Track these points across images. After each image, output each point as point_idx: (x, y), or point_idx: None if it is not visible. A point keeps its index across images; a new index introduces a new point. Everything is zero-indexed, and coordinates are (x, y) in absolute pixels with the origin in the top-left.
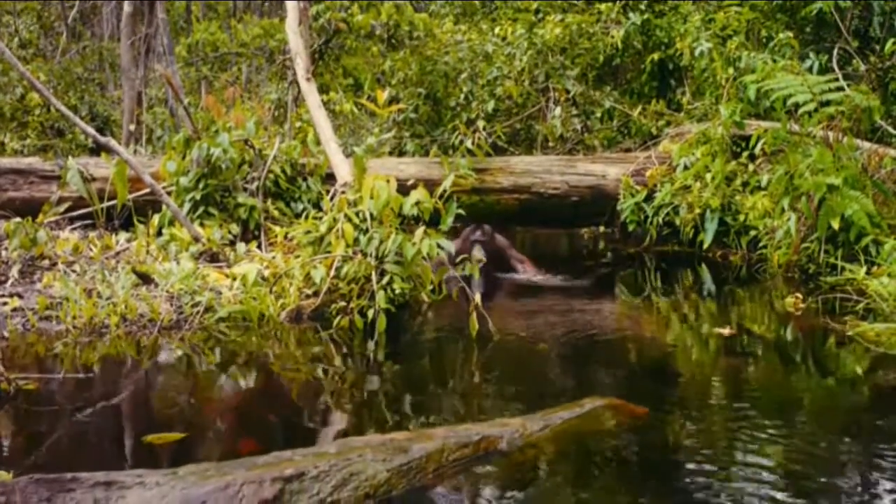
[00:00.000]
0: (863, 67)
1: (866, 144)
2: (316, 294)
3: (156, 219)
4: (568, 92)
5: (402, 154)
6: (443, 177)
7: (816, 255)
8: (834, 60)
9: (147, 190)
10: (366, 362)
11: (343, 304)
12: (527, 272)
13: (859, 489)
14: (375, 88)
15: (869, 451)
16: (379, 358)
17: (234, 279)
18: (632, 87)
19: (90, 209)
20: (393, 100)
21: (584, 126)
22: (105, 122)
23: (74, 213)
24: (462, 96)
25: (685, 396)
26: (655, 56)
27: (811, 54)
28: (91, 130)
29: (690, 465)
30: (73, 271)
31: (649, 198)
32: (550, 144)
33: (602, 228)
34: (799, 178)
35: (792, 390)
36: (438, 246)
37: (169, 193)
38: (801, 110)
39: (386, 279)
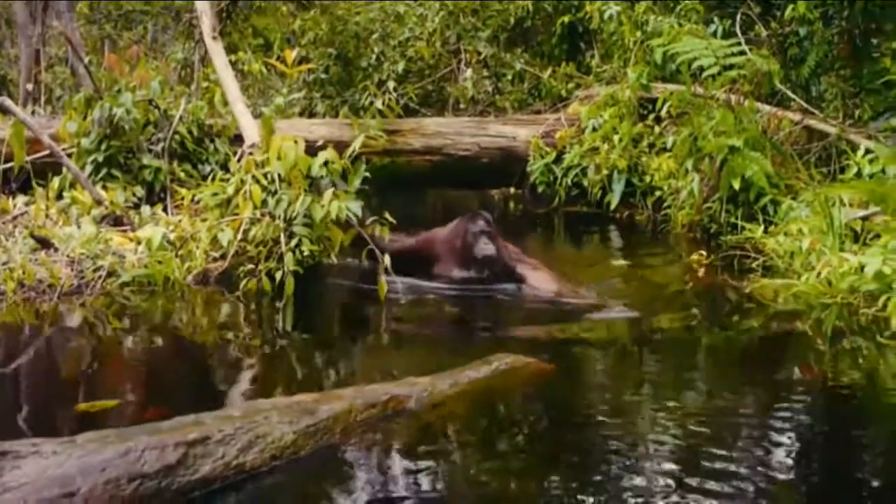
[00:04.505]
0: (764, 33)
1: (766, 107)
2: (223, 257)
3: (56, 181)
4: (479, 54)
5: (312, 115)
6: (353, 138)
7: (718, 215)
8: (737, 25)
9: (46, 152)
10: (274, 325)
11: (251, 266)
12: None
13: (754, 437)
14: (285, 48)
15: (762, 400)
16: (287, 321)
17: (139, 243)
18: (542, 50)
19: None
20: (303, 60)
21: (495, 88)
22: (1, 81)
23: None
24: (374, 57)
25: (591, 352)
26: (565, 19)
27: (715, 19)
28: None
29: (597, 420)
30: None
31: (559, 159)
32: (462, 106)
33: (512, 189)
34: (702, 140)
35: (692, 344)
36: (347, 208)
37: (70, 155)
38: (705, 73)
39: (294, 241)
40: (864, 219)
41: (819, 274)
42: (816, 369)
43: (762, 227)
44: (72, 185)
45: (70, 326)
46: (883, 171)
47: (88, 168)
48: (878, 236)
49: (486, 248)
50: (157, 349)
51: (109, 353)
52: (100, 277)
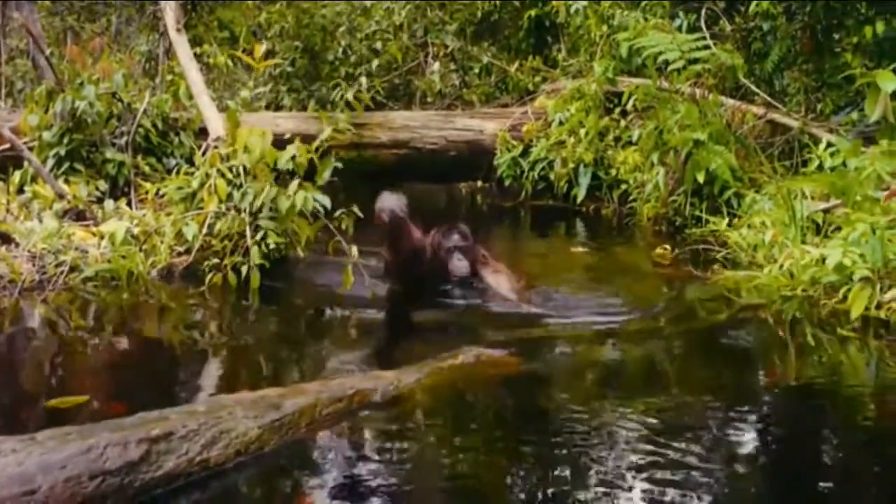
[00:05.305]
0: (728, 27)
1: (730, 101)
2: (188, 251)
3: (17, 175)
4: (446, 47)
5: (279, 108)
6: (320, 132)
7: (683, 208)
8: (702, 20)
9: (7, 145)
10: (240, 319)
11: (216, 260)
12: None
13: (718, 432)
14: (251, 41)
15: (723, 394)
16: (253, 315)
17: (102, 237)
18: (509, 43)
19: None
20: (269, 53)
21: (462, 81)
22: None
23: None
24: (340, 50)
25: (558, 346)
26: (532, 12)
27: (680, 13)
28: None
29: (564, 413)
30: None
31: (525, 153)
32: (429, 100)
33: (480, 183)
34: (667, 134)
35: (656, 335)
36: (314, 200)
37: (31, 149)
38: (670, 68)
39: (260, 235)
40: (826, 211)
41: (781, 266)
42: (778, 363)
43: (726, 220)
44: (33, 180)
45: (31, 323)
46: (844, 164)
47: (50, 162)
48: (839, 228)
49: (459, 266)
50: (120, 345)
51: (72, 350)
52: (62, 273)
